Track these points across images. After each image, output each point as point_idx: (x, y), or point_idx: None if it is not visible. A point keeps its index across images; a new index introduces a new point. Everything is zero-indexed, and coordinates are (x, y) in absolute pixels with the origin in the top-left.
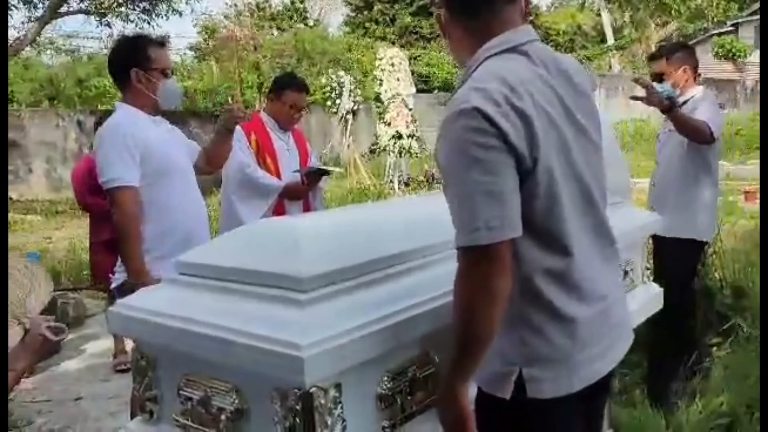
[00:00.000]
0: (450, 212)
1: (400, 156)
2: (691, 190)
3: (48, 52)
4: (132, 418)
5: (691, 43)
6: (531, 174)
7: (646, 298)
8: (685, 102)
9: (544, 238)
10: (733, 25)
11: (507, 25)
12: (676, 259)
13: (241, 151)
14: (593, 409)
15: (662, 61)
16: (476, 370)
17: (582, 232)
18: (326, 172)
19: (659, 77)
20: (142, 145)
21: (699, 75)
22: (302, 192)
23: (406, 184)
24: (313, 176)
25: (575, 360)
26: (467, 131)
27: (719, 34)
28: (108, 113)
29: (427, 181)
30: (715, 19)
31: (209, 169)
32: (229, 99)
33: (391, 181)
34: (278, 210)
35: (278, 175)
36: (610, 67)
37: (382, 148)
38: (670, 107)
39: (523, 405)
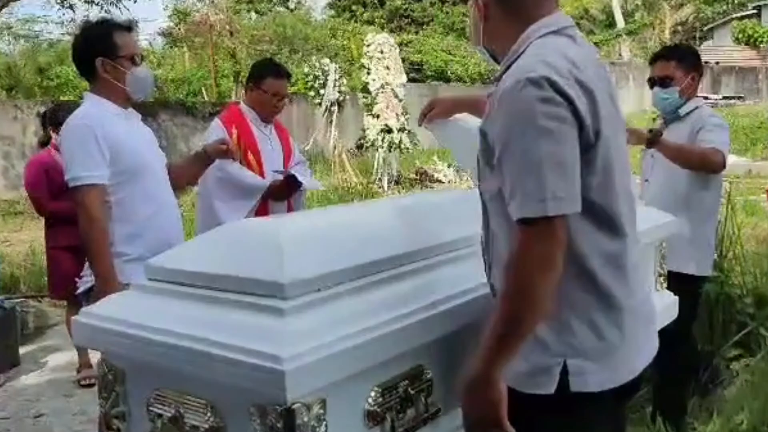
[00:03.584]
0: (506, 185)
1: (390, 151)
2: (692, 220)
3: (5, 38)
4: None
5: (709, 27)
6: (592, 148)
7: (659, 308)
8: (688, 113)
9: (600, 217)
10: (755, 7)
11: (545, 10)
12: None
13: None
14: (620, 413)
15: (670, 64)
16: (514, 356)
17: (628, 219)
18: (300, 184)
19: (663, 81)
20: (112, 141)
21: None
22: (286, 192)
23: (396, 183)
24: (290, 181)
25: (619, 352)
26: (535, 101)
27: (740, 18)
28: (69, 104)
29: (419, 179)
30: (736, 1)
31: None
32: (203, 89)
33: (380, 179)
34: (261, 211)
35: (261, 173)
36: (620, 54)
37: (369, 143)
38: (654, 139)
39: (559, 402)
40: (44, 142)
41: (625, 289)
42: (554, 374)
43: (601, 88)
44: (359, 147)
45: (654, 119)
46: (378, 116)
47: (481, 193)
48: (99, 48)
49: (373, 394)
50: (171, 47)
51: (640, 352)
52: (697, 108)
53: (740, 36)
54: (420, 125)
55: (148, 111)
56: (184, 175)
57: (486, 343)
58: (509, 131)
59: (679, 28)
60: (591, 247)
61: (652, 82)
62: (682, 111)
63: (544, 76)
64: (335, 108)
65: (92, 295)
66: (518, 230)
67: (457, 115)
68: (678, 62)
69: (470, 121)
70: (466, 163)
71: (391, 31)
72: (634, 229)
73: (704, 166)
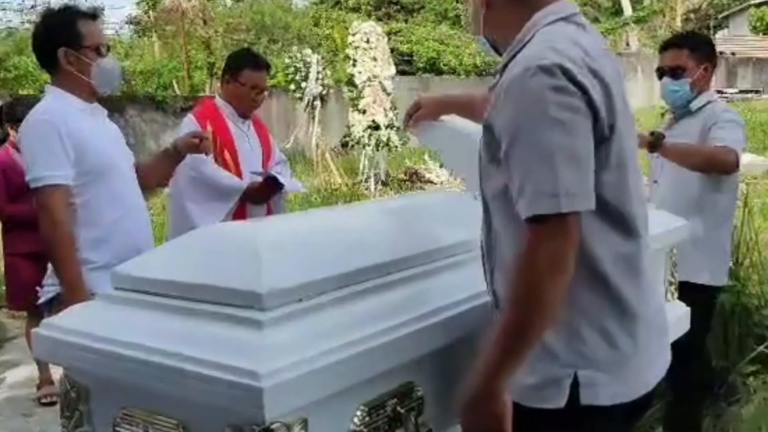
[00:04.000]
0: (514, 180)
1: (377, 150)
2: (705, 224)
3: None
4: None
5: (724, 14)
6: (606, 142)
7: (670, 319)
8: (700, 108)
9: (614, 216)
10: None
11: None
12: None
13: None
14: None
15: (681, 53)
16: (519, 366)
17: (642, 220)
18: (281, 186)
19: (674, 71)
20: (77, 138)
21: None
22: (265, 195)
23: (384, 184)
24: (270, 183)
25: (631, 363)
26: (547, 90)
27: (758, 5)
28: (28, 99)
29: (410, 179)
30: None
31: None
32: (174, 82)
33: (367, 180)
34: (239, 214)
35: (238, 173)
36: (628, 43)
37: (355, 141)
38: (656, 143)
39: (568, 416)
40: (1, 140)
41: (639, 295)
42: (564, 386)
43: (615, 80)
44: (344, 145)
45: (662, 114)
46: (364, 111)
47: (483, 192)
48: (61, 37)
49: (358, 413)
50: (140, 36)
51: (652, 365)
52: (709, 102)
53: (758, 24)
54: (405, 129)
55: (114, 106)
56: (153, 175)
57: (489, 353)
58: (518, 122)
59: (692, 15)
60: (603, 248)
61: (661, 73)
62: (694, 105)
63: (557, 63)
64: (318, 103)
65: (54, 306)
66: (527, 229)
67: (444, 117)
68: (690, 51)
69: (460, 123)
70: (458, 168)
71: (379, 19)
72: (646, 231)
73: (714, 167)
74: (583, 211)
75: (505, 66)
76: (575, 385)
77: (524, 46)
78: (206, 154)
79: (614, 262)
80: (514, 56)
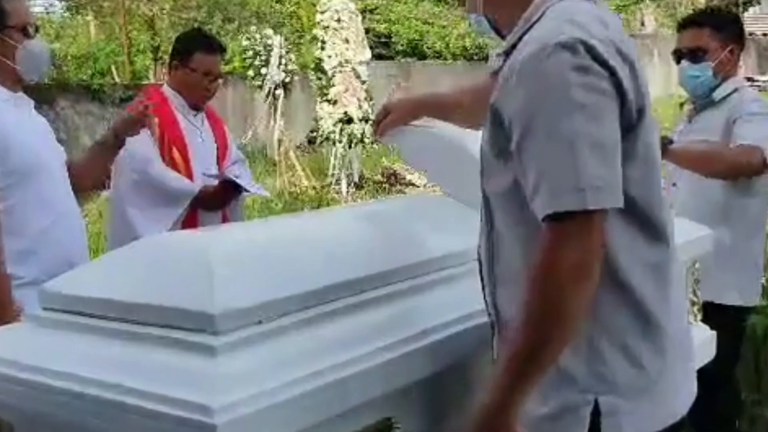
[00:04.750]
0: (529, 175)
1: (350, 147)
2: (733, 234)
3: None
4: None
5: None
6: (633, 129)
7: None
8: (724, 98)
9: (641, 218)
10: None
11: None
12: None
13: (137, 140)
14: None
15: (702, 32)
16: (533, 389)
17: (670, 224)
18: (243, 189)
19: (694, 54)
20: (0, 134)
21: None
22: (221, 200)
23: (358, 186)
24: (228, 186)
25: (656, 389)
26: (569, 69)
27: None
28: None
29: (387, 181)
30: None
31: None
32: (113, 68)
33: (337, 182)
34: (189, 222)
35: (189, 174)
36: (643, 23)
37: (324, 136)
38: (662, 149)
39: None
40: None
41: (667, 310)
42: (584, 415)
43: (640, 63)
44: (311, 141)
45: (681, 104)
46: (335, 102)
47: (484, 192)
48: None
49: None
50: (73, 15)
51: (678, 394)
52: (736, 91)
53: None
54: (376, 138)
55: (43, 96)
56: (88, 174)
57: (499, 377)
58: (533, 108)
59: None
60: (627, 255)
61: (680, 56)
62: (717, 95)
63: (579, 39)
64: (280, 92)
65: None
66: (546, 230)
67: (417, 122)
68: (713, 30)
69: (440, 127)
70: (444, 179)
71: None
72: (673, 238)
73: (739, 172)
74: (609, 210)
75: (513, 47)
76: (595, 413)
77: (532, 26)
78: (151, 132)
79: (640, 271)
80: (521, 37)
